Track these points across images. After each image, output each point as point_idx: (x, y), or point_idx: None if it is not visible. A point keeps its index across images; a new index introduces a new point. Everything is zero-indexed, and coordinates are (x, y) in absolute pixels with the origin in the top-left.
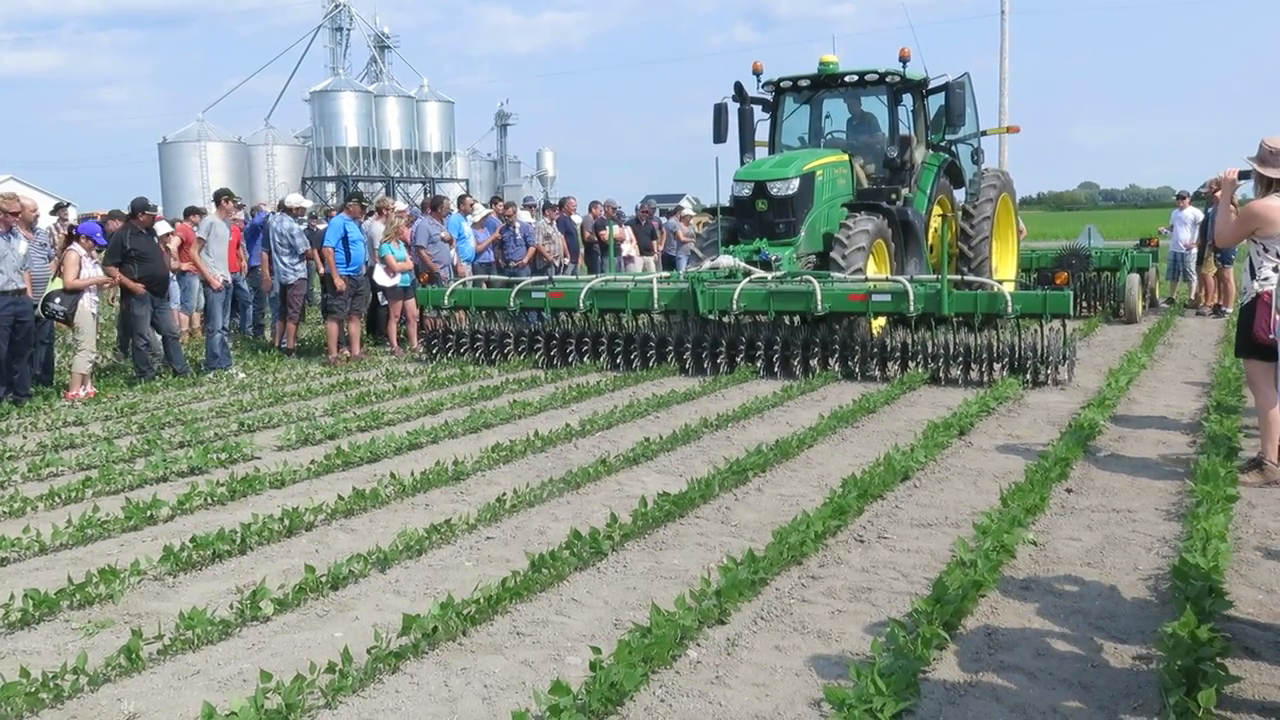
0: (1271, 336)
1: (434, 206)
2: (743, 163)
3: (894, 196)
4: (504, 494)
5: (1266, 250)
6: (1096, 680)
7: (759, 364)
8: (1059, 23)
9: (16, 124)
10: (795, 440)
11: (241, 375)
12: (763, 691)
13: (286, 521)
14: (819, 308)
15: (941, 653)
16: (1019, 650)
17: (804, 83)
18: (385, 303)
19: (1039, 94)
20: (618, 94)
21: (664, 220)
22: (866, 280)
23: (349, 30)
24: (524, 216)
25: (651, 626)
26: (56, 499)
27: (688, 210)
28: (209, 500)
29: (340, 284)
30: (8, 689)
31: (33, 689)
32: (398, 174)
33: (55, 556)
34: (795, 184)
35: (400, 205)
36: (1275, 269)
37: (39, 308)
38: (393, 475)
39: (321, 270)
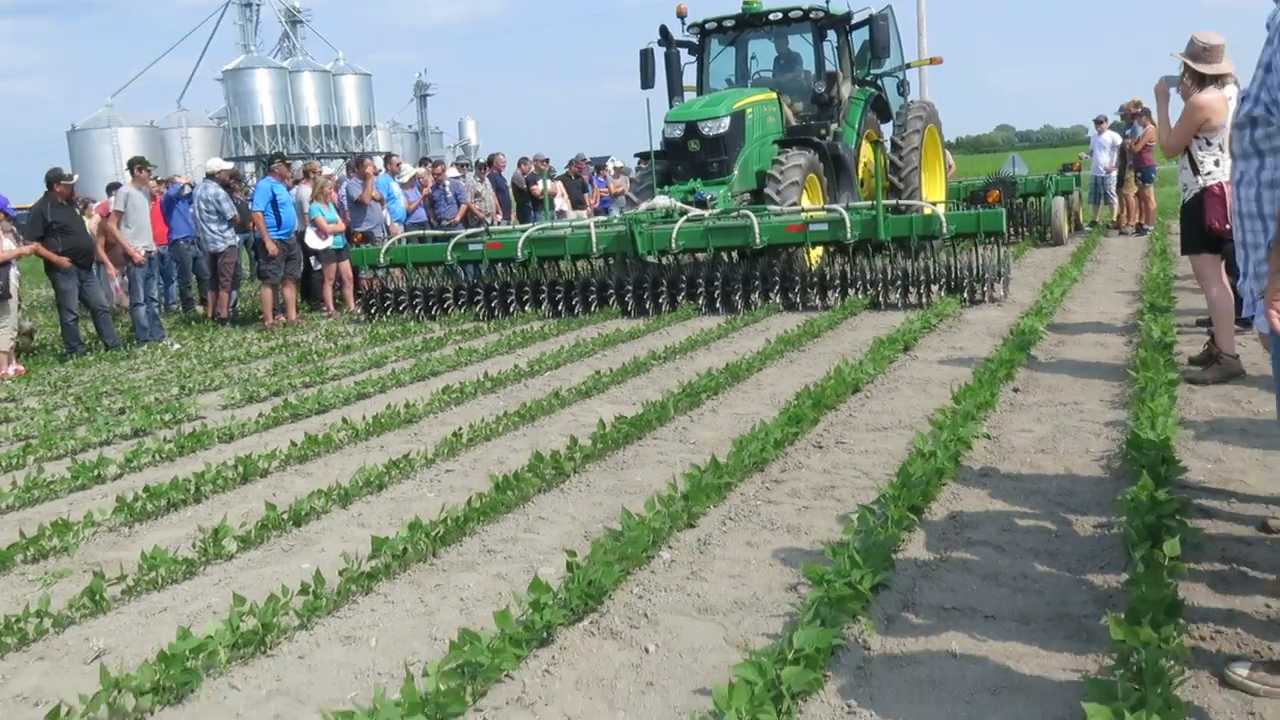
0: (1226, 226)
1: (357, 166)
2: (671, 106)
3: (823, 132)
4: (459, 429)
5: (1209, 144)
6: (1062, 548)
7: (700, 302)
8: None
9: None
10: (744, 364)
11: (176, 346)
12: (739, 582)
13: (241, 469)
14: (757, 241)
15: (910, 534)
16: (984, 528)
17: (728, 23)
18: (319, 267)
19: (954, 37)
20: (537, 60)
21: (595, 176)
22: (802, 211)
23: (259, 5)
24: (452, 173)
25: (623, 530)
26: None
27: (617, 163)
28: (157, 457)
29: (272, 248)
30: None
31: None
32: (318, 150)
33: (1, 519)
34: (726, 122)
35: (327, 170)
36: (1217, 162)
37: None
38: (344, 420)
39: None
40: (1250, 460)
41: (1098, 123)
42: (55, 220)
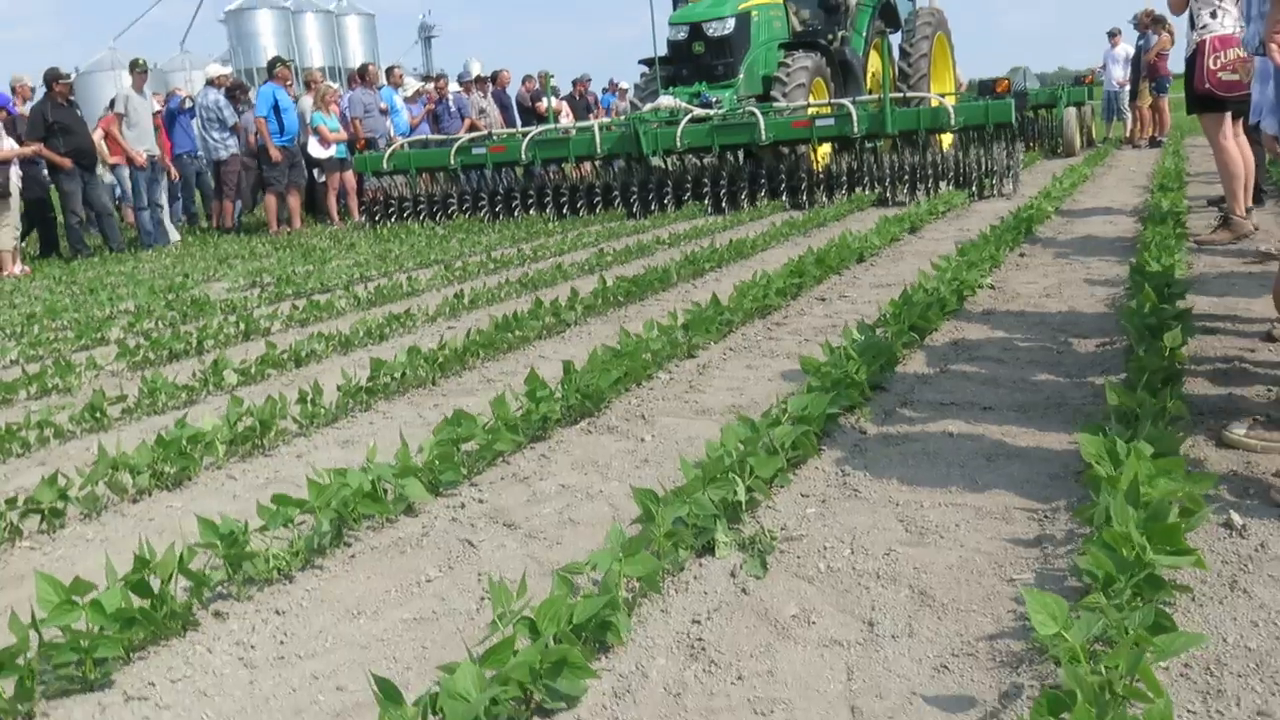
0: (1207, 86)
1: (361, 75)
2: (675, 9)
3: (830, 37)
4: (461, 292)
5: None
6: (1062, 360)
7: (706, 202)
8: None
9: None
10: (749, 243)
11: (179, 242)
12: (737, 393)
13: (242, 326)
14: (763, 137)
15: (911, 352)
16: (986, 349)
17: None
18: (322, 178)
19: None
20: (543, 2)
21: (601, 96)
22: (809, 106)
23: None
24: (454, 88)
25: (622, 347)
26: (2, 332)
27: (623, 85)
28: (160, 322)
29: (275, 154)
30: None
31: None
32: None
33: (5, 371)
34: (731, 23)
35: (333, 84)
36: (1213, 13)
37: None
38: (347, 288)
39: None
40: (1257, 293)
41: (1111, 35)
42: (56, 120)
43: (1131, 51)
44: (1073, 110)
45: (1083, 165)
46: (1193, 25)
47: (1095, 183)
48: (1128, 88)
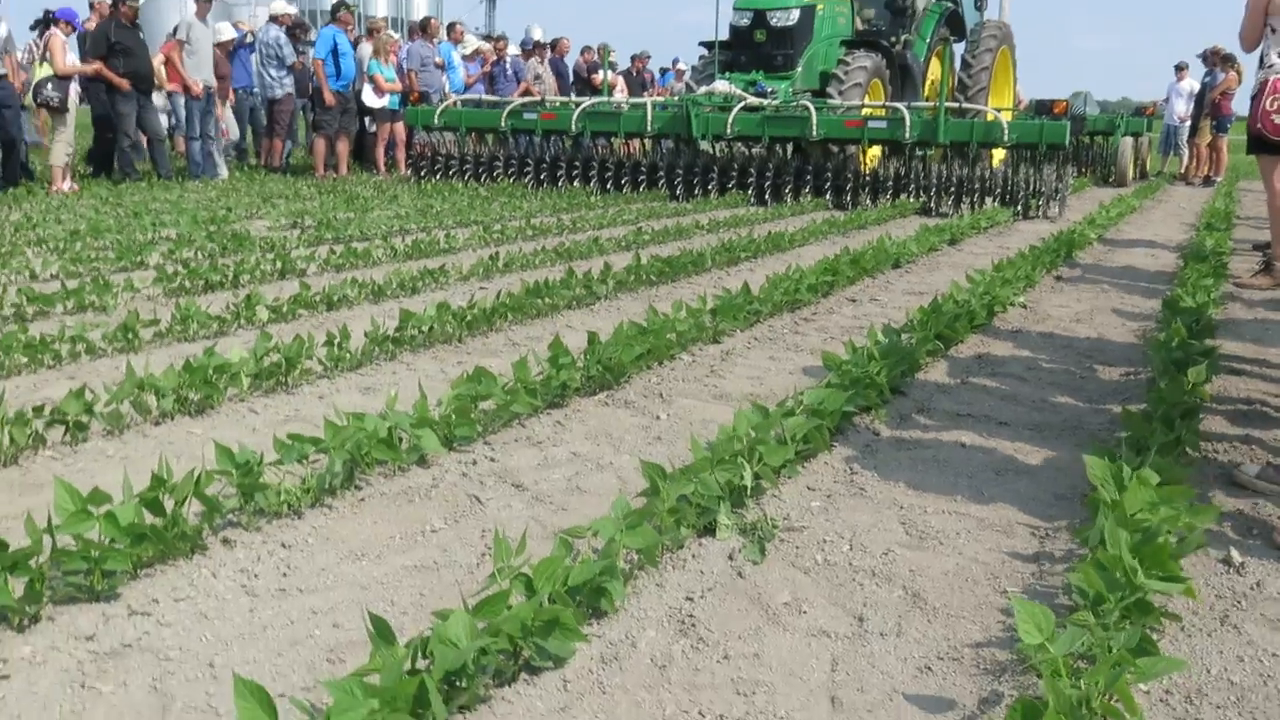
0: (1259, 127)
1: (423, 28)
2: None
3: (893, 39)
4: (496, 254)
5: (1275, 31)
6: (1085, 385)
7: (750, 192)
8: None
9: None
10: (788, 237)
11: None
12: (757, 382)
13: (279, 264)
14: (814, 133)
15: (934, 361)
16: (1010, 366)
17: None
18: (373, 128)
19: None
20: None
21: (658, 75)
22: (863, 107)
23: None
24: (513, 51)
25: (648, 325)
26: (45, 246)
27: (681, 66)
28: (199, 252)
29: (330, 98)
30: (7, 338)
31: (33, 344)
32: None
33: (45, 285)
34: (795, 14)
35: (393, 34)
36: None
37: (31, 95)
38: (385, 239)
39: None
40: None
41: (1178, 69)
42: (118, 41)
43: (1196, 87)
44: (1129, 140)
45: (1132, 196)
46: (1261, 63)
47: (1143, 215)
48: (1188, 123)
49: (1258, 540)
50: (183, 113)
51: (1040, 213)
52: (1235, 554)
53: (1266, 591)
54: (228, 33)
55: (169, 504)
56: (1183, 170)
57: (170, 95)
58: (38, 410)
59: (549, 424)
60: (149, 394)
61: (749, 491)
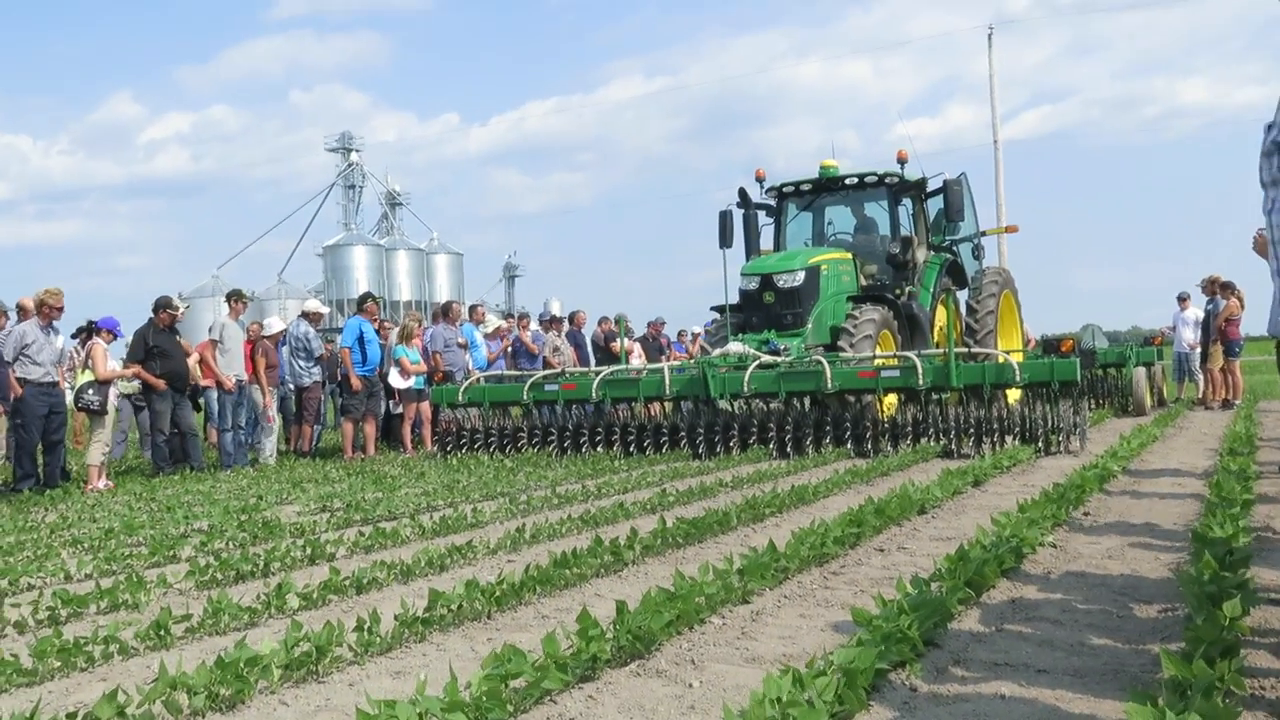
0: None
1: (445, 313)
2: (749, 260)
3: (898, 291)
4: (523, 526)
5: None
6: (1123, 625)
7: (771, 446)
8: (1050, 175)
9: (36, 289)
10: (811, 489)
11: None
12: (789, 642)
13: (309, 550)
14: (829, 386)
15: (966, 609)
16: (1044, 610)
17: (805, 187)
18: (399, 410)
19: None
20: (623, 246)
21: (674, 341)
22: (875, 358)
23: (361, 188)
24: (534, 327)
25: (676, 589)
26: (80, 546)
27: (696, 329)
28: (230, 543)
29: (356, 383)
30: (42, 644)
31: (67, 647)
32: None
33: (79, 585)
34: (801, 276)
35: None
36: None
37: (73, 399)
38: (413, 517)
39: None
40: None
41: (1180, 299)
42: (156, 345)
43: (1201, 315)
44: (1142, 370)
45: (1152, 425)
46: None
47: (1165, 443)
48: (1198, 350)
49: None
50: (215, 406)
51: (1062, 448)
52: None
53: None
54: (277, 325)
55: None
56: (1200, 396)
57: (204, 390)
58: (71, 717)
59: (581, 698)
60: (181, 692)
61: None
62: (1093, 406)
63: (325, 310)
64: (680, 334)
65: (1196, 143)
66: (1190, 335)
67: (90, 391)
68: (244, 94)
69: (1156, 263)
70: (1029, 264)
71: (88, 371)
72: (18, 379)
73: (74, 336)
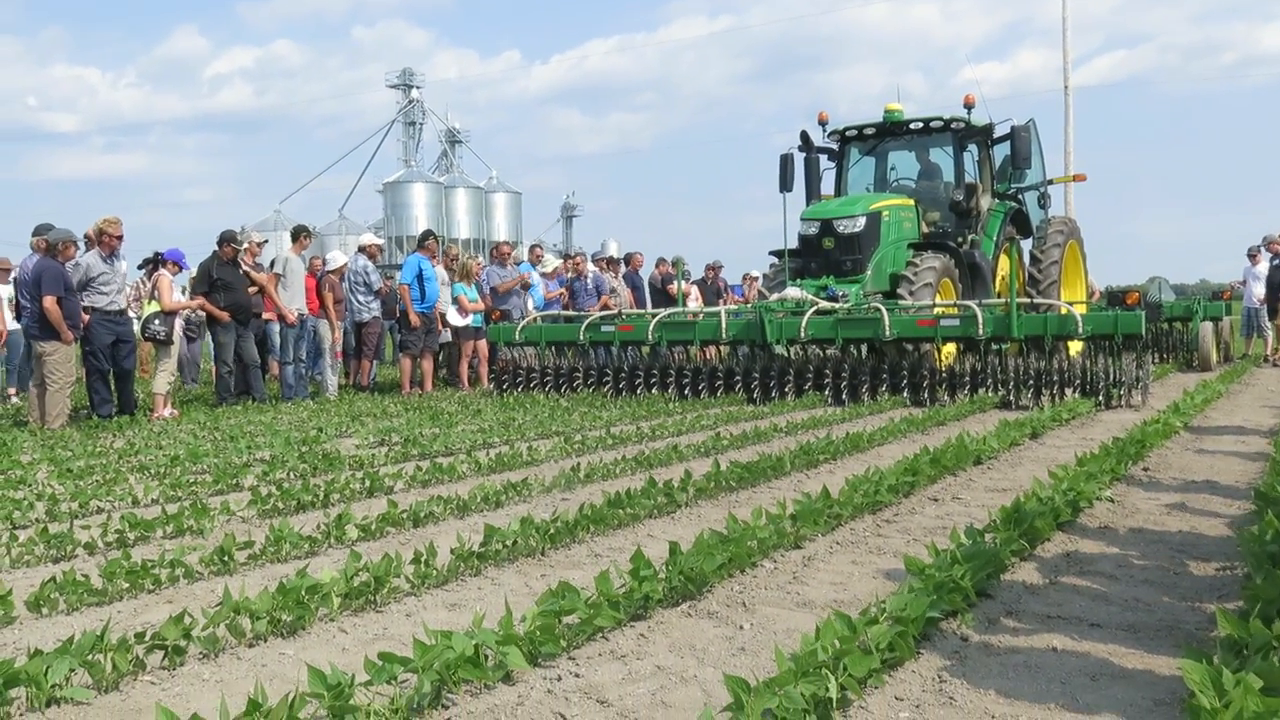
0: None
1: (494, 253)
2: (809, 204)
3: (960, 239)
4: (578, 465)
5: None
6: (1179, 583)
7: (826, 393)
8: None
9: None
10: (866, 437)
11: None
12: (840, 588)
13: (368, 483)
14: (887, 333)
15: (1020, 563)
16: (1099, 564)
17: (869, 131)
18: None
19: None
20: (681, 189)
21: (733, 285)
22: (934, 306)
23: (421, 125)
24: (592, 268)
25: (729, 532)
26: (146, 472)
27: (754, 274)
28: (291, 473)
29: (415, 320)
30: (111, 565)
31: (135, 570)
32: None
33: (146, 509)
34: (862, 221)
35: (477, 257)
36: None
37: (140, 329)
38: (469, 453)
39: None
40: None
41: (1251, 255)
42: (220, 277)
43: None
44: (1209, 325)
45: (1217, 381)
46: None
47: (1229, 400)
48: (1267, 305)
49: None
50: (278, 339)
51: (1123, 402)
52: None
53: None
54: (340, 260)
55: None
56: (1268, 352)
57: (266, 323)
58: (139, 636)
59: (633, 637)
60: (244, 617)
61: (834, 704)
62: (1156, 361)
63: (380, 242)
64: (744, 277)
65: (1275, 91)
66: (1260, 290)
67: (156, 322)
68: (307, 29)
69: (1228, 215)
70: (1096, 214)
71: (154, 302)
72: (85, 308)
73: (140, 268)
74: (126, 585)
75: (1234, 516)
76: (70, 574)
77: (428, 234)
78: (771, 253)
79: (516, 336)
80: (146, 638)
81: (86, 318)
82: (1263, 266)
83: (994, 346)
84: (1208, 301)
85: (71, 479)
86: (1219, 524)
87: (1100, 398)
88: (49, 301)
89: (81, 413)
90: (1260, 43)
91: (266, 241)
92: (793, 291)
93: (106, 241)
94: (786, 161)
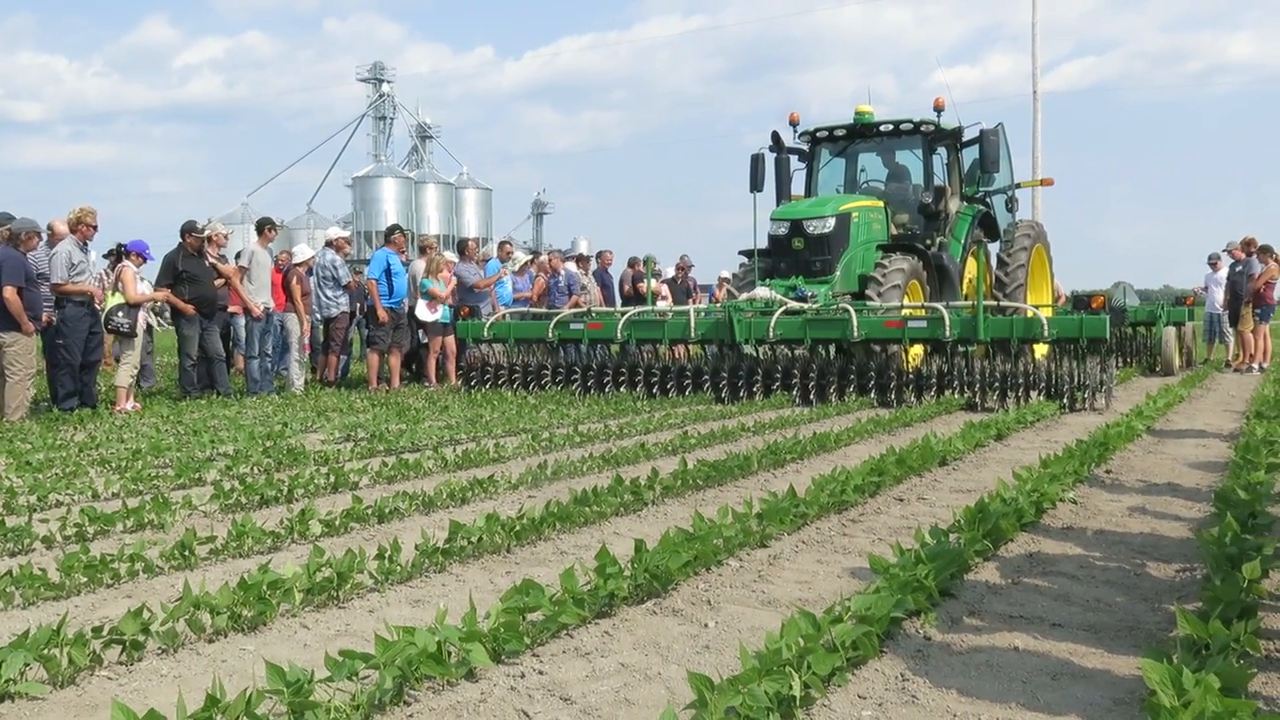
0: None
1: (460, 250)
2: (779, 205)
3: (928, 241)
4: (544, 463)
5: None
6: (1140, 583)
7: (794, 393)
8: (1089, 128)
9: (69, 209)
10: (833, 437)
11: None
12: (805, 587)
13: (332, 478)
14: (855, 334)
15: (984, 563)
16: (1062, 565)
17: (839, 132)
18: (425, 341)
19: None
20: (652, 187)
21: (705, 285)
22: (902, 308)
23: (392, 119)
24: (570, 267)
25: (694, 530)
26: (107, 466)
27: (724, 274)
28: (255, 468)
29: (383, 315)
30: (69, 559)
31: (94, 564)
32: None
33: (107, 504)
34: (831, 222)
35: (451, 256)
36: None
37: (104, 321)
38: (436, 449)
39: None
40: None
41: (1212, 261)
42: (185, 269)
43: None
44: (1172, 330)
45: (1180, 386)
46: None
47: (1191, 404)
48: (1229, 311)
49: None
50: (243, 333)
51: (1087, 405)
52: None
53: None
54: (306, 253)
55: None
56: (1230, 358)
57: (231, 316)
58: (96, 631)
59: (597, 634)
60: (204, 612)
61: (798, 702)
62: (1120, 365)
63: (347, 234)
64: (720, 280)
65: (1241, 100)
66: (1222, 297)
67: (120, 314)
68: (278, 21)
69: (1193, 222)
70: (1063, 218)
71: (117, 294)
72: (70, 298)
73: (105, 256)
74: (84, 579)
75: (1194, 519)
76: (27, 568)
77: (394, 228)
78: (741, 252)
79: (485, 333)
80: (104, 632)
81: (48, 313)
82: (1224, 273)
83: (960, 349)
84: (1171, 307)
85: (30, 472)
86: (1180, 526)
87: (1064, 401)
88: (9, 292)
89: (42, 405)
90: (1226, 52)
91: (231, 233)
92: (761, 291)
93: (83, 231)
94: (757, 162)
